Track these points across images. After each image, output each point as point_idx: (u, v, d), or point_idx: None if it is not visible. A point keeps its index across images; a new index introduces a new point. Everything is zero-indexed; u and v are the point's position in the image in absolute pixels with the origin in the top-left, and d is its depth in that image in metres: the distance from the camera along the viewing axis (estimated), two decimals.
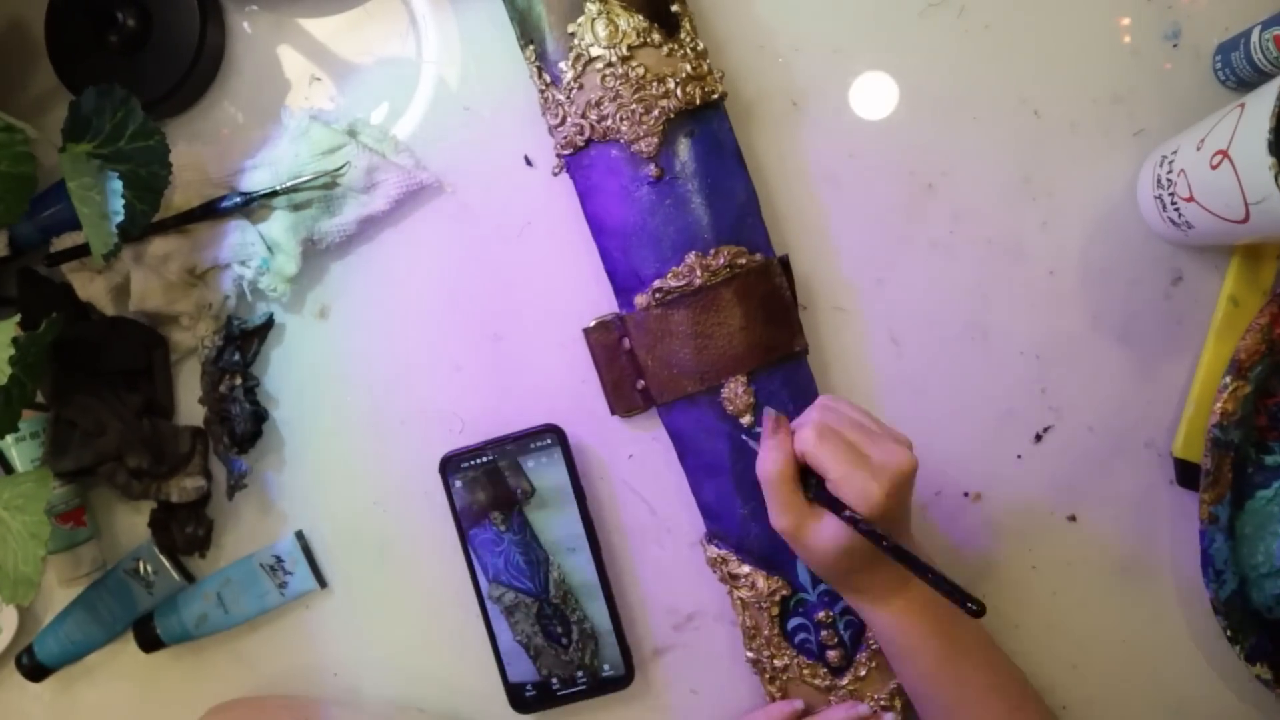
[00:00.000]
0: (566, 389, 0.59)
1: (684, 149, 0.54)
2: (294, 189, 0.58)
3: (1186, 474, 0.55)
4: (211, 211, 0.59)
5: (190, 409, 0.62)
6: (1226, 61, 0.53)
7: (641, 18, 0.53)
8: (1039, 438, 0.57)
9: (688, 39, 0.54)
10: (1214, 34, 0.54)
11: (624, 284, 0.56)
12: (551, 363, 0.59)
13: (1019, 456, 0.57)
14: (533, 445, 0.57)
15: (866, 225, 0.57)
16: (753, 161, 0.57)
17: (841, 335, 0.58)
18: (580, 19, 0.53)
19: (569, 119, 0.54)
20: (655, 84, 0.53)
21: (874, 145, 0.57)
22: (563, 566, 0.57)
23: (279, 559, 0.61)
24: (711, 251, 0.54)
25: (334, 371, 0.61)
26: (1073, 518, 0.57)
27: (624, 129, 0.53)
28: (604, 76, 0.53)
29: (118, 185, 0.53)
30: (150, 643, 0.61)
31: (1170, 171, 0.51)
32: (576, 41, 0.53)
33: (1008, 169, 0.56)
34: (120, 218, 0.53)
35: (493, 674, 0.59)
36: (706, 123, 0.54)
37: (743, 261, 0.54)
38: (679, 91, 0.53)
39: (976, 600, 0.41)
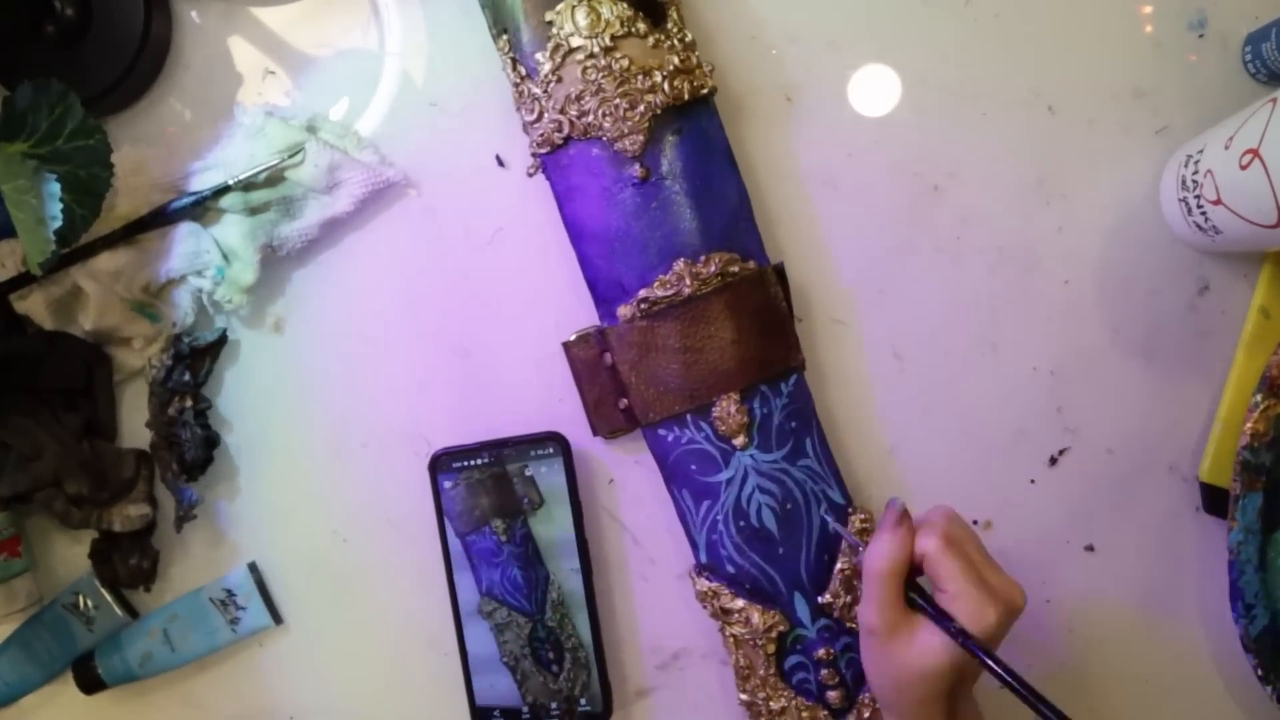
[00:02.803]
0: (541, 408, 0.58)
1: (671, 148, 0.52)
2: (249, 183, 0.56)
3: (1214, 500, 0.54)
4: (161, 217, 0.57)
5: (134, 431, 0.61)
6: (1257, 53, 0.52)
7: (626, 5, 0.52)
8: (1054, 461, 0.56)
9: (675, 29, 0.52)
10: (1243, 23, 0.53)
11: (606, 294, 0.55)
12: (524, 380, 0.59)
13: (1032, 481, 0.56)
14: (534, 453, 0.56)
15: (867, 230, 0.56)
16: (744, 161, 0.56)
17: (840, 349, 0.57)
18: (559, 6, 0.52)
19: (546, 115, 0.53)
20: (640, 77, 0.51)
21: (874, 144, 0.56)
22: (561, 588, 0.56)
23: (230, 593, 0.60)
24: (701, 259, 0.52)
25: (289, 390, 0.60)
26: (1090, 547, 0.56)
27: (606, 126, 0.52)
28: (585, 69, 0.51)
29: (55, 188, 0.51)
30: (91, 684, 0.61)
31: (1196, 172, 0.50)
32: (555, 31, 0.52)
33: (1020, 170, 0.55)
34: (58, 223, 0.51)
35: (462, 716, 0.58)
36: (695, 119, 0.53)
37: (735, 270, 0.53)
38: (666, 86, 0.51)
39: None
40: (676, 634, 0.59)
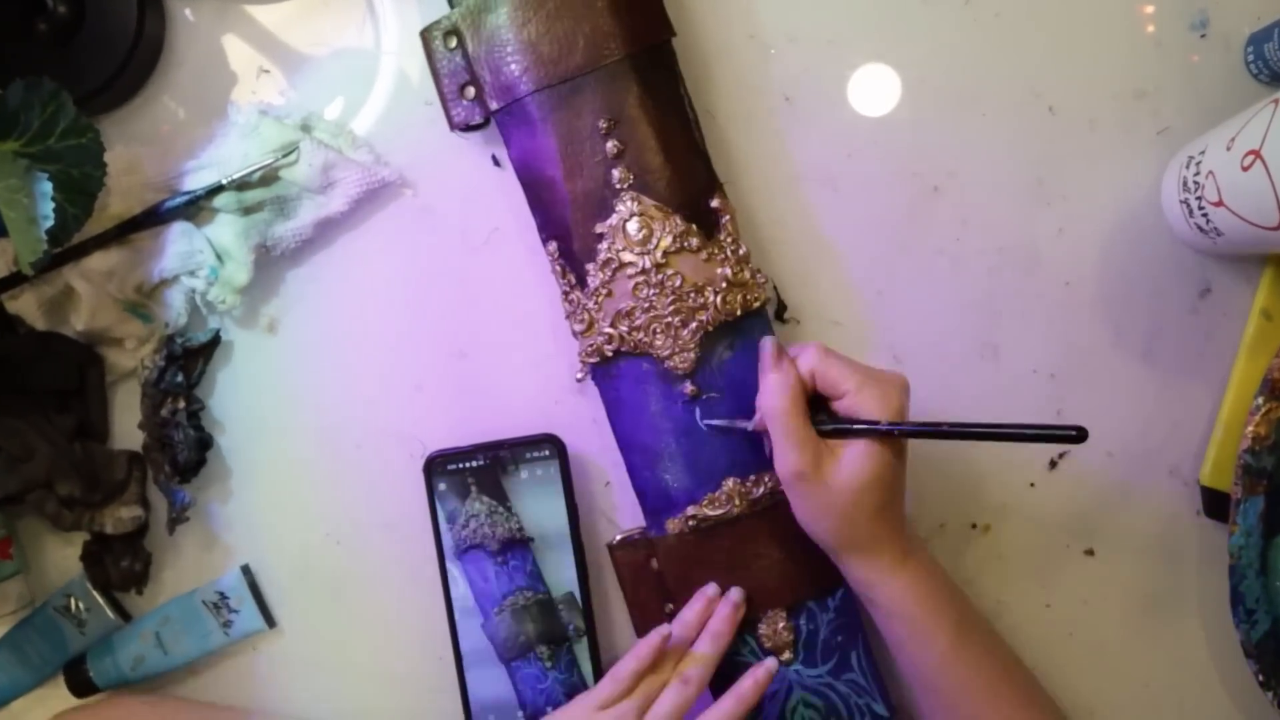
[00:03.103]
0: (538, 410, 0.58)
1: (723, 363, 0.52)
2: (243, 183, 0.56)
3: (1215, 504, 0.54)
4: (154, 217, 0.57)
5: (126, 432, 0.61)
6: (1259, 53, 0.52)
7: (679, 219, 0.51)
8: (1054, 464, 0.56)
9: (728, 240, 0.52)
10: (1245, 23, 0.53)
11: (654, 504, 0.54)
12: (521, 382, 0.58)
13: (1032, 485, 0.56)
14: (530, 455, 0.56)
15: (866, 231, 0.56)
16: (741, 162, 0.56)
17: (839, 351, 0.55)
18: (611, 219, 0.51)
19: (596, 326, 0.52)
20: (693, 295, 0.51)
21: (874, 144, 0.56)
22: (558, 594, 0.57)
23: (223, 595, 0.60)
24: (752, 478, 0.52)
25: (283, 391, 0.60)
26: (1090, 551, 0.56)
27: (658, 343, 0.52)
28: (636, 285, 0.51)
29: (47, 188, 0.51)
30: (83, 687, 0.60)
31: (1198, 173, 0.50)
32: (605, 245, 0.51)
33: (1020, 170, 0.55)
34: (50, 223, 0.51)
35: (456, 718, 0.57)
36: (747, 334, 0.53)
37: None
38: (719, 302, 0.51)
39: (1077, 426, 0.41)
40: None
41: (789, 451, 0.47)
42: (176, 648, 0.60)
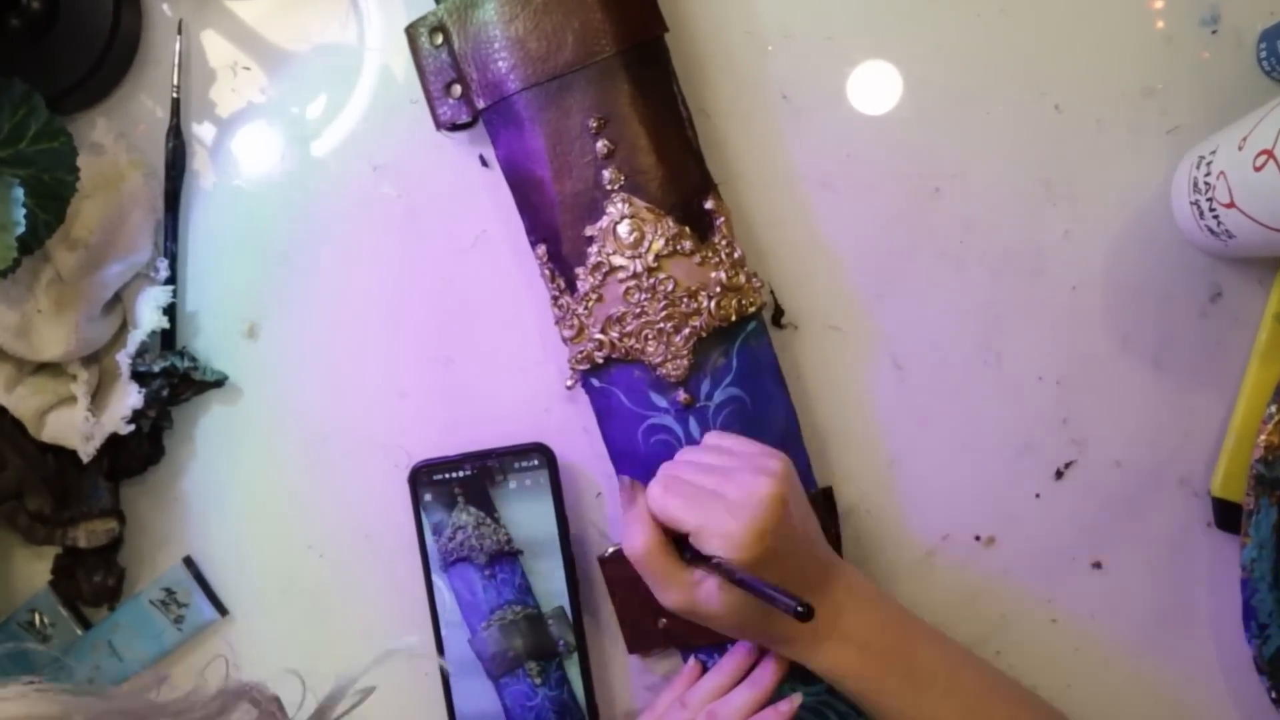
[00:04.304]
0: (527, 418, 0.58)
1: (717, 371, 0.52)
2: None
3: (1226, 515, 0.54)
4: None
5: None
6: (1272, 50, 0.52)
7: (672, 222, 0.51)
8: (1060, 474, 0.56)
9: (722, 243, 0.52)
10: (1258, 19, 0.52)
11: None
12: (510, 390, 0.58)
13: (1037, 495, 0.56)
14: (518, 465, 0.55)
15: (865, 234, 0.56)
16: (737, 162, 0.55)
17: (837, 358, 0.56)
18: (602, 222, 0.51)
19: (586, 332, 0.52)
20: (686, 300, 0.51)
21: (874, 144, 0.56)
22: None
23: (169, 591, 0.60)
24: None
25: (263, 398, 0.60)
26: (1098, 564, 0.56)
27: (649, 350, 0.51)
28: (628, 289, 0.51)
29: (19, 193, 0.51)
30: None
31: (1208, 174, 0.49)
32: (596, 248, 0.51)
33: (1025, 171, 0.55)
34: (21, 229, 0.51)
35: None
36: (743, 339, 0.52)
37: None
38: (713, 307, 0.51)
39: (803, 602, 0.40)
40: (667, 655, 0.58)
41: (658, 590, 0.47)
42: (130, 653, 0.60)
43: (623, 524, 0.49)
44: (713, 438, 0.50)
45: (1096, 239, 0.54)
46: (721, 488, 0.45)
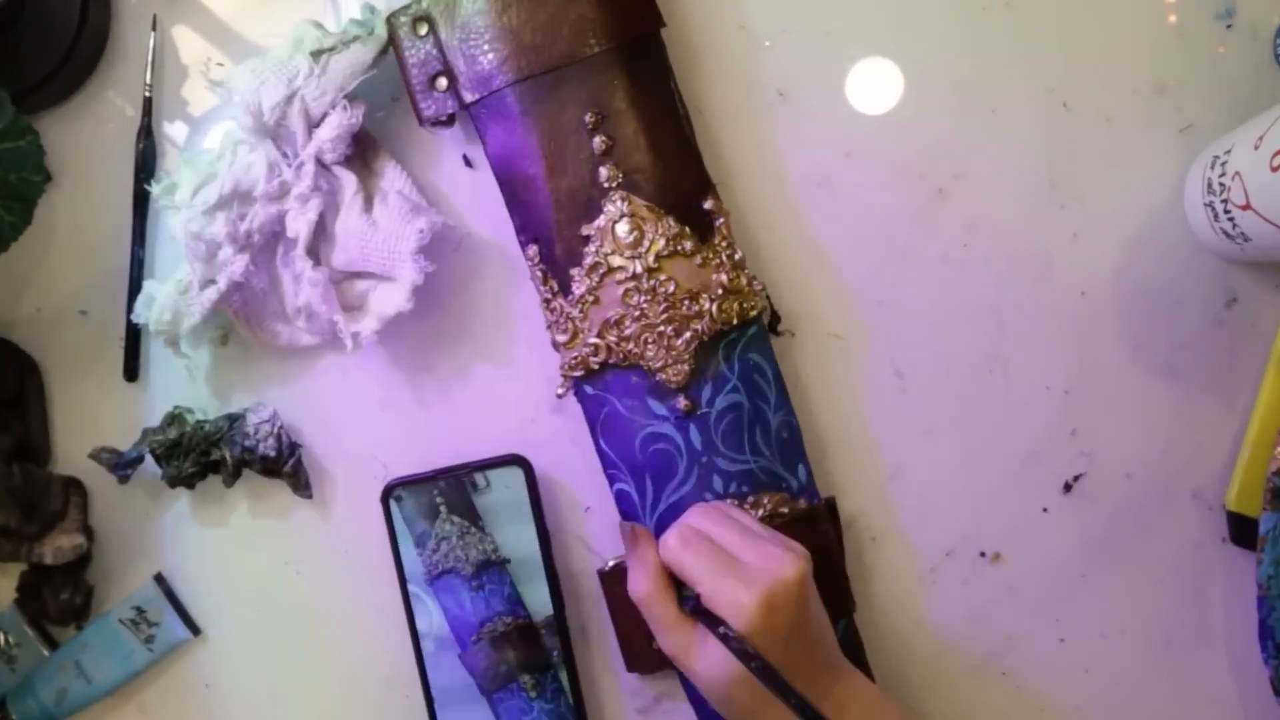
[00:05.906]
0: (511, 429, 0.57)
1: (718, 377, 0.51)
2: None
3: (1241, 530, 0.53)
4: None
5: (68, 452, 0.60)
6: None
7: (672, 221, 0.50)
8: (1068, 487, 0.55)
9: (723, 244, 0.51)
10: (1275, 12, 0.53)
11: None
12: (494, 400, 0.58)
13: (1045, 509, 0.56)
14: (494, 478, 0.55)
15: (866, 237, 0.56)
16: (732, 162, 0.55)
17: (836, 366, 0.56)
18: (599, 221, 0.50)
19: (581, 337, 0.51)
20: (687, 302, 0.50)
21: (875, 143, 0.56)
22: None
23: (140, 610, 0.59)
24: (749, 501, 0.52)
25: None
26: (1108, 581, 0.56)
27: (649, 354, 0.51)
28: (626, 291, 0.50)
29: None
30: None
31: (1223, 174, 0.49)
32: (592, 248, 0.50)
33: (1032, 171, 0.55)
34: None
35: None
36: (744, 344, 0.52)
37: (785, 510, 0.52)
38: (714, 310, 0.50)
39: (818, 712, 0.40)
40: (659, 674, 0.56)
41: (657, 634, 0.47)
42: (99, 674, 0.59)
43: (629, 565, 0.49)
44: (734, 511, 0.49)
45: (1106, 242, 0.55)
46: (743, 554, 0.45)
